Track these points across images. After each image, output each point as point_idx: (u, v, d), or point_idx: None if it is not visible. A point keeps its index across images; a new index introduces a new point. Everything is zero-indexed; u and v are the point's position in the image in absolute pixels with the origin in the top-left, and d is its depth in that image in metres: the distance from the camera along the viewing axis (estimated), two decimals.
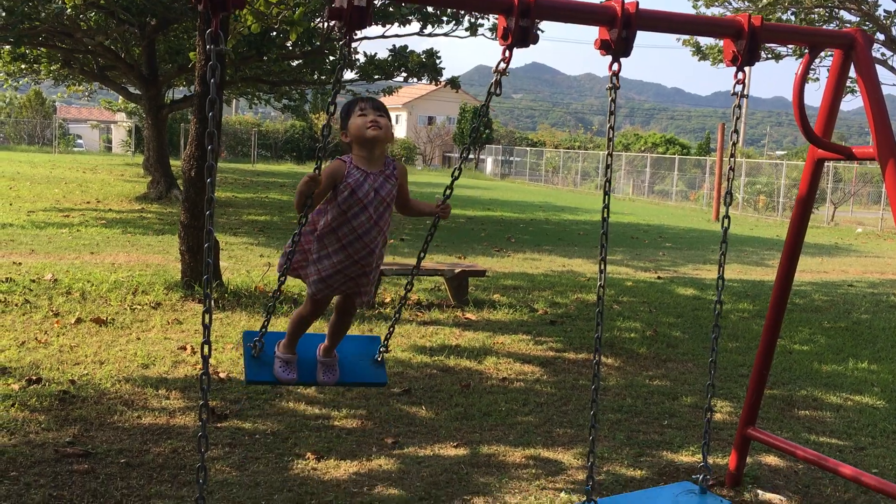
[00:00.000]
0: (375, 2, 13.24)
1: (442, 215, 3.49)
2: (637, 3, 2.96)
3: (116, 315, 7.39)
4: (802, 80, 3.54)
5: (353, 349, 3.75)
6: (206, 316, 2.45)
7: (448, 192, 3.40)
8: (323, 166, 3.16)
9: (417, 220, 18.14)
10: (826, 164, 3.77)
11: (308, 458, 4.43)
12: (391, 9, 16.85)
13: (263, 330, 3.48)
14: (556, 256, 13.65)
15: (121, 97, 28.60)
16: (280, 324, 7.39)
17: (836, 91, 3.70)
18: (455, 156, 59.72)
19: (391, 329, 3.74)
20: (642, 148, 45.17)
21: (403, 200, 3.54)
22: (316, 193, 3.20)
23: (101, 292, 8.20)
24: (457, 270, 8.80)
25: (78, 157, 41.99)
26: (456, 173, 3.30)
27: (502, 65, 2.99)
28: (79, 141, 55.98)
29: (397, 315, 3.74)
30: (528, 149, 50.88)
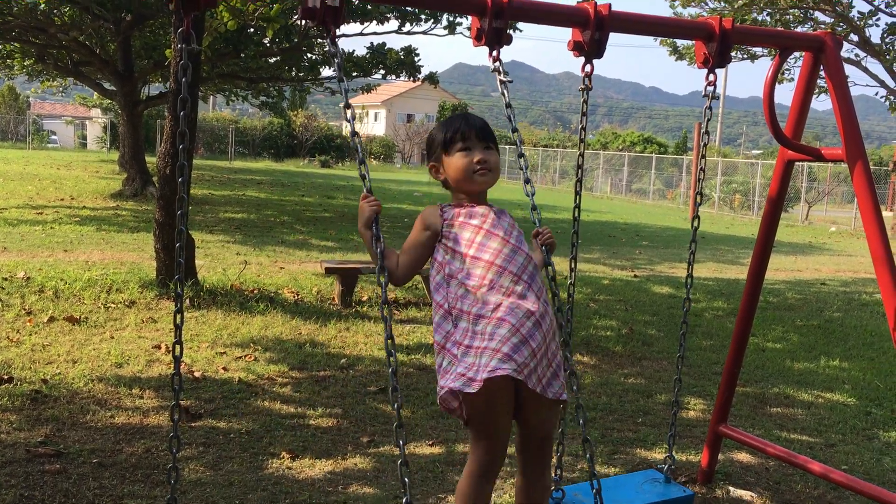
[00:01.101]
0: (352, 1, 13.19)
1: (548, 246, 2.99)
2: (609, 5, 2.98)
3: (90, 313, 7.33)
4: (773, 82, 3.58)
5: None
6: (178, 317, 2.45)
7: (537, 214, 2.96)
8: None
9: (395, 218, 18.13)
10: (801, 163, 3.81)
11: (283, 457, 4.42)
12: (369, 7, 16.82)
13: None
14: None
15: (96, 93, 28.31)
16: (259, 322, 7.37)
17: (807, 93, 3.75)
18: None
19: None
20: (620, 147, 45.44)
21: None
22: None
23: (74, 290, 8.13)
24: None
25: (52, 153, 41.51)
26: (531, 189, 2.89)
27: (499, 66, 2.84)
28: (53, 137, 55.36)
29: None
30: (506, 147, 51.00)
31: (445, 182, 2.77)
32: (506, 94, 2.86)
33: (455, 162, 2.68)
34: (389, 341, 2.47)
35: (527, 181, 2.84)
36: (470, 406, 2.55)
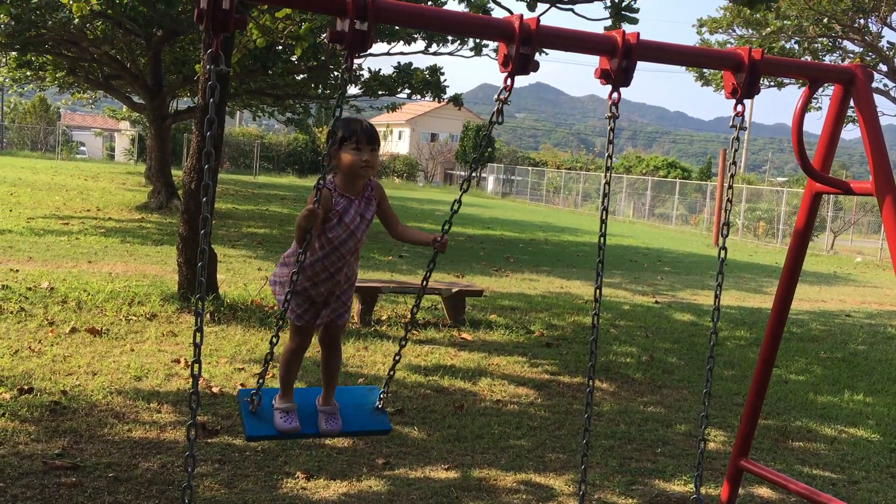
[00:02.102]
0: (379, 25, 13.36)
1: (439, 249, 3.35)
2: (638, 34, 2.96)
3: (111, 325, 7.38)
4: (801, 114, 3.54)
5: (352, 399, 3.67)
6: (198, 335, 2.44)
7: (447, 226, 3.27)
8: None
9: None
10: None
11: (298, 476, 4.40)
12: (396, 28, 16.94)
13: (261, 382, 3.37)
14: (554, 278, 13.64)
15: (125, 106, 28.68)
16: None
17: (836, 125, 3.70)
18: (457, 173, 59.85)
19: (391, 374, 3.58)
20: (643, 171, 45.28)
21: (391, 223, 3.49)
22: (315, 226, 3.12)
23: (97, 302, 8.19)
24: (454, 290, 8.79)
25: (80, 164, 42.05)
26: (456, 206, 3.15)
27: (504, 94, 2.97)
28: (82, 148, 56.12)
29: (398, 357, 3.56)
30: (529, 168, 51.03)
31: (335, 165, 3.33)
32: (493, 124, 3.06)
33: (347, 157, 3.26)
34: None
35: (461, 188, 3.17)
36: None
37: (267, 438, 3.51)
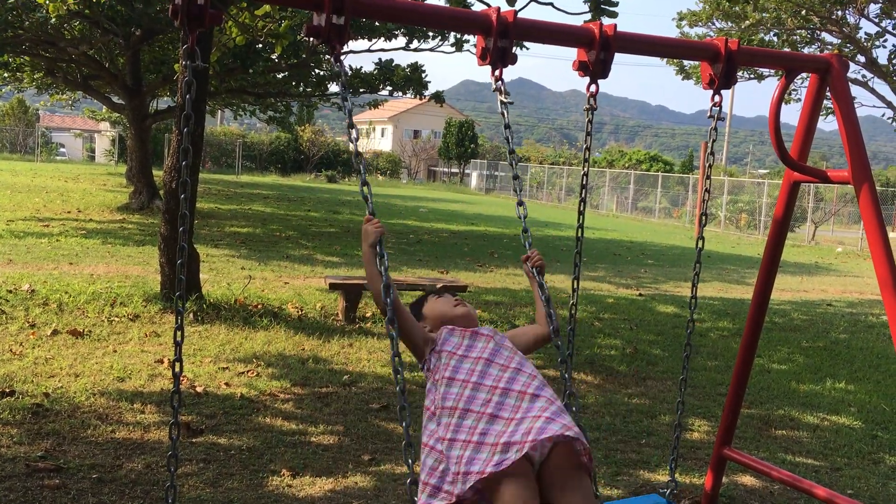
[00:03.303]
0: (358, 20, 13.31)
1: (538, 267, 2.94)
2: (615, 25, 2.98)
3: (93, 327, 7.33)
4: (778, 104, 3.57)
5: None
6: (179, 333, 2.43)
7: (528, 237, 2.91)
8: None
9: (400, 234, 18.15)
10: (807, 184, 3.80)
11: (283, 474, 4.39)
12: (377, 23, 16.90)
13: None
14: None
15: (104, 106, 28.46)
16: (262, 338, 7.36)
17: (813, 115, 3.74)
18: (440, 170, 59.82)
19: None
20: (626, 164, 45.46)
21: (526, 331, 3.06)
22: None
23: (78, 304, 8.13)
24: (438, 286, 8.79)
25: (60, 165, 41.71)
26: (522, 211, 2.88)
27: (500, 86, 2.85)
28: (61, 150, 55.63)
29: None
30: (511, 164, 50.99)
31: (431, 332, 2.95)
32: (505, 115, 2.88)
33: (434, 306, 3.01)
34: (397, 359, 2.49)
35: (520, 203, 2.87)
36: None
37: None
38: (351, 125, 2.61)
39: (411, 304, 3.06)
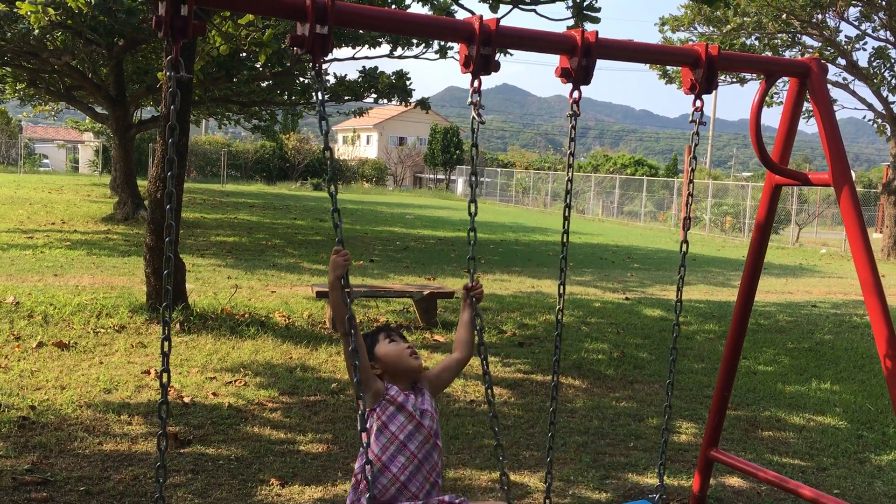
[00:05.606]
0: (342, 29, 13.34)
1: (476, 297, 3.15)
2: (596, 32, 3.01)
3: (79, 339, 7.29)
4: (759, 107, 3.61)
5: None
6: (166, 344, 2.43)
7: (474, 272, 3.02)
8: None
9: (387, 241, 18.14)
10: (791, 186, 3.84)
11: (272, 483, 4.38)
12: (360, 31, 16.91)
13: None
14: (525, 277, 13.70)
15: (88, 117, 28.33)
16: (249, 347, 7.34)
17: (793, 118, 3.78)
18: (426, 176, 59.84)
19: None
20: (611, 169, 45.67)
21: (449, 363, 3.30)
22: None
23: (63, 315, 8.08)
24: (425, 292, 8.80)
25: (44, 177, 41.46)
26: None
27: (475, 97, 2.88)
28: (45, 161, 55.32)
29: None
30: (498, 170, 51.19)
31: (380, 376, 2.95)
32: (474, 132, 2.92)
33: (386, 348, 2.98)
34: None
35: (472, 201, 2.90)
36: None
37: None
38: (326, 147, 2.61)
39: (364, 336, 3.00)
